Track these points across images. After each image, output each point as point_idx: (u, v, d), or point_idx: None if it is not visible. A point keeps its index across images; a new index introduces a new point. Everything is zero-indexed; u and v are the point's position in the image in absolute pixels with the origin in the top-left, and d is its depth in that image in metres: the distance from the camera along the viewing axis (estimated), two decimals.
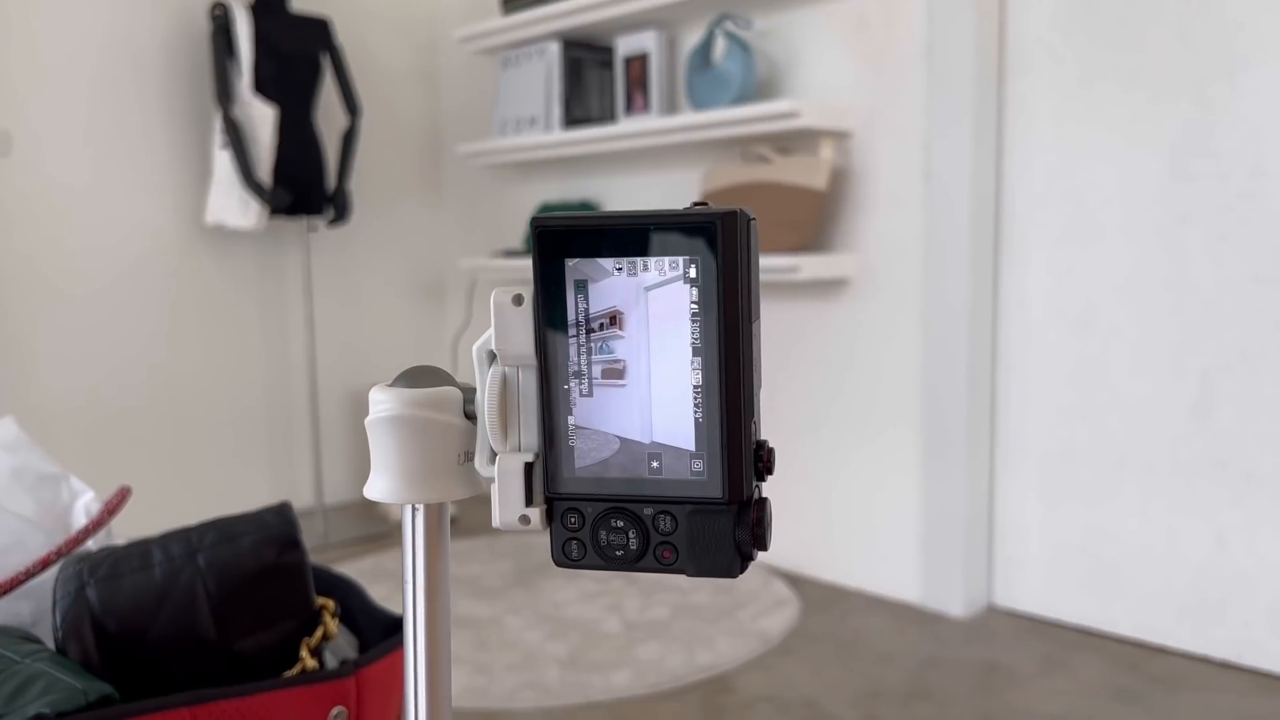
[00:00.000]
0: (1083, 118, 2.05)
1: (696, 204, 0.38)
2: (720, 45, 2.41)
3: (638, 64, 2.63)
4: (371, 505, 3.15)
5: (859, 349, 2.35)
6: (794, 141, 2.38)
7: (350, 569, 2.54)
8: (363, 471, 3.22)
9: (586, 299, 0.40)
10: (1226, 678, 1.88)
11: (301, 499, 3.03)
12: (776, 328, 2.46)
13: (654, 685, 1.87)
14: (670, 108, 2.64)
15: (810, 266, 2.25)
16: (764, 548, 0.41)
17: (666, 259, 0.39)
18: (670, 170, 2.72)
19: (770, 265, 2.24)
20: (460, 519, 2.90)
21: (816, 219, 2.29)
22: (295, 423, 3.07)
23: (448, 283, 3.41)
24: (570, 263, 0.40)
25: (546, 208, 2.95)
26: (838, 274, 2.32)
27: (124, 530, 0.93)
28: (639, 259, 0.39)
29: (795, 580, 2.44)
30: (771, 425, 2.66)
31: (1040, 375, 2.15)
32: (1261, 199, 1.84)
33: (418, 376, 0.43)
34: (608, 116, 2.76)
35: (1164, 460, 1.98)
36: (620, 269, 0.40)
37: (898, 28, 2.23)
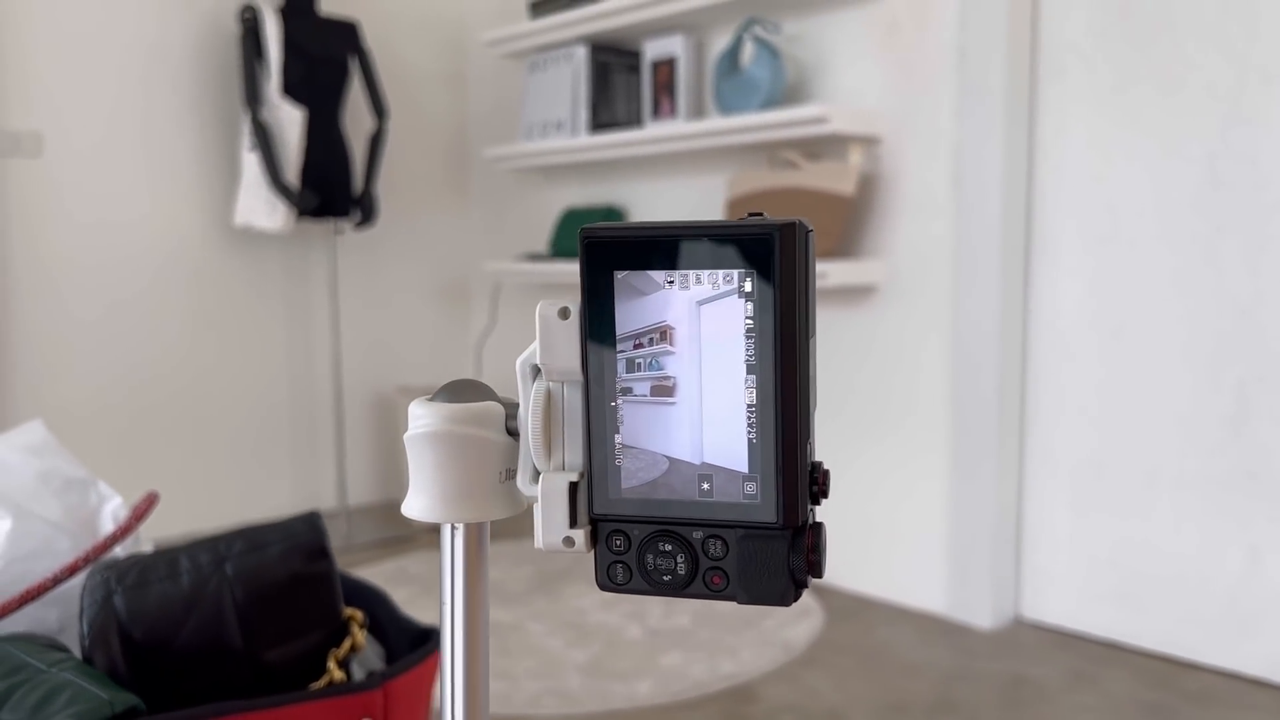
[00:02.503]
0: (1117, 124, 2.02)
1: (752, 214, 0.37)
2: (748, 49, 2.39)
3: (665, 68, 2.61)
4: (395, 508, 3.15)
5: (887, 356, 2.33)
6: (822, 147, 2.36)
7: (374, 572, 2.53)
8: (386, 474, 3.22)
9: (636, 313, 0.39)
10: (1259, 695, 1.85)
11: (325, 501, 3.03)
12: None
13: (676, 694, 1.85)
14: (697, 112, 2.63)
15: (838, 273, 2.23)
16: (819, 575, 0.39)
17: (721, 272, 0.37)
18: (697, 175, 2.70)
19: None
20: None
21: (844, 225, 2.27)
22: (320, 424, 3.07)
23: (473, 286, 3.41)
24: (619, 275, 0.39)
25: (572, 212, 2.94)
26: (865, 280, 2.30)
27: (149, 531, 0.92)
28: (691, 272, 0.38)
29: (820, 590, 2.41)
30: None
31: (1071, 385, 2.12)
32: None
33: (459, 391, 0.42)
34: (634, 121, 2.75)
35: (1197, 472, 1.95)
36: (672, 282, 0.38)
37: (929, 32, 2.20)
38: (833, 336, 2.41)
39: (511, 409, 0.41)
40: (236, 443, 2.91)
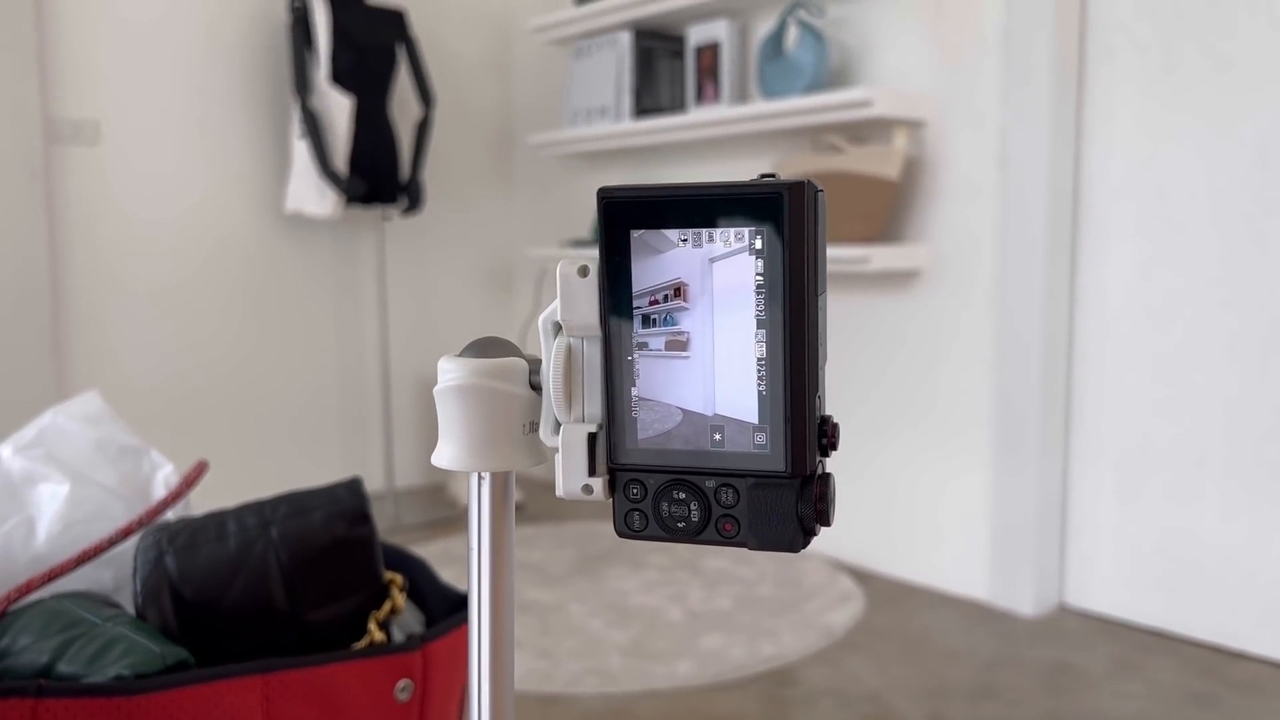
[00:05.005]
0: (1166, 106, 1.99)
1: (764, 175, 0.38)
2: (792, 33, 2.39)
3: (709, 53, 2.62)
4: (441, 490, 3.20)
5: (930, 341, 2.32)
6: (867, 131, 2.36)
7: (419, 552, 2.57)
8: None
9: (651, 270, 0.40)
10: None
11: (372, 482, 3.08)
12: (847, 319, 2.44)
13: (716, 675, 1.87)
14: (741, 97, 2.63)
15: (881, 257, 2.22)
16: (827, 523, 0.40)
17: (732, 230, 0.39)
18: (740, 160, 2.70)
19: (841, 256, 2.21)
20: (526, 506, 2.93)
21: (889, 209, 2.26)
22: (367, 407, 3.12)
23: (517, 272, 3.44)
24: (636, 234, 0.40)
25: None
26: (910, 265, 2.29)
27: (199, 506, 0.95)
28: (705, 230, 0.39)
29: (861, 575, 2.41)
30: (840, 417, 2.62)
31: (1118, 370, 2.09)
32: None
33: (485, 347, 0.44)
34: (678, 106, 2.76)
35: (1247, 459, 1.92)
36: (685, 240, 0.40)
37: (974, 14, 2.19)
38: (876, 321, 2.40)
39: (535, 364, 0.43)
40: (285, 424, 2.97)
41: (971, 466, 2.27)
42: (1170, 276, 2.00)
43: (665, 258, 0.40)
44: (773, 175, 0.39)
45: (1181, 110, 1.97)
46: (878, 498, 2.43)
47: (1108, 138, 2.08)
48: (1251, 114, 1.88)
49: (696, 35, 2.65)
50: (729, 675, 1.87)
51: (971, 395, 2.25)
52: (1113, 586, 2.13)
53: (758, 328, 0.39)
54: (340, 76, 2.73)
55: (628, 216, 0.40)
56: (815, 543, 2.47)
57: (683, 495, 0.41)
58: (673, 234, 0.40)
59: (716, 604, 2.21)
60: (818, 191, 0.40)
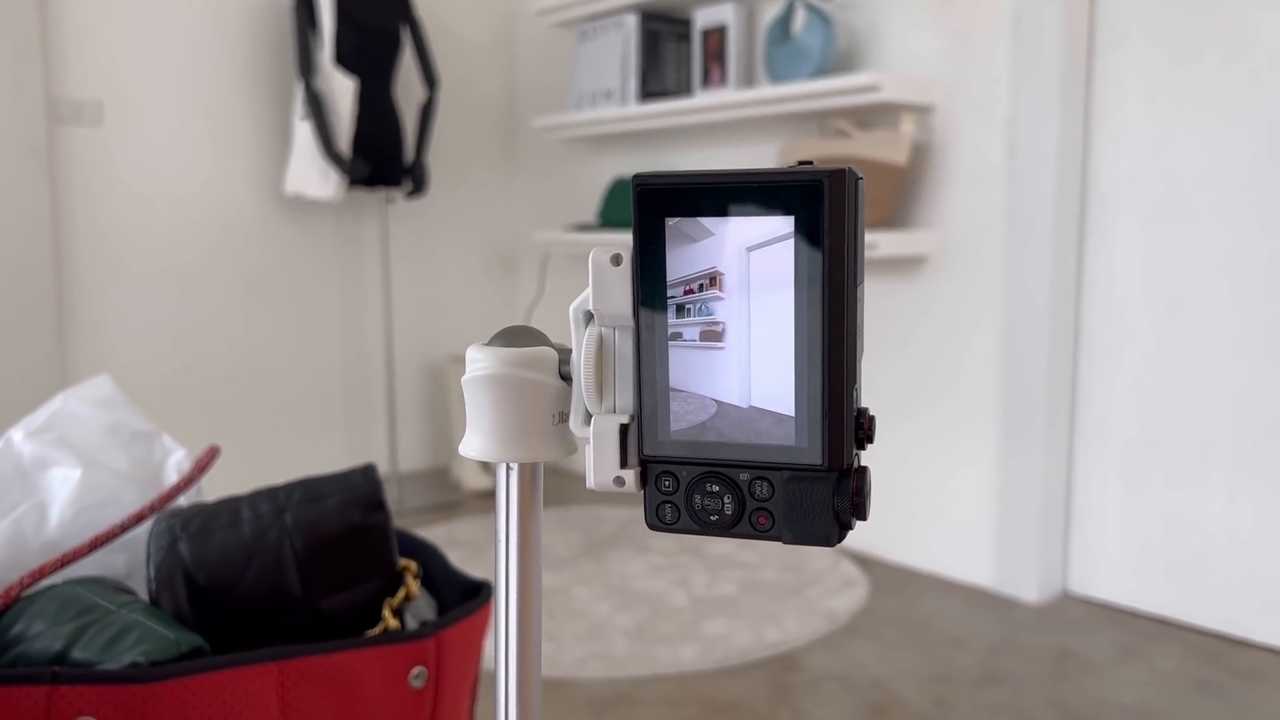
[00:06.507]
0: (1177, 93, 1.98)
1: (802, 163, 0.37)
2: (800, 17, 2.37)
3: (715, 36, 2.60)
4: (445, 474, 3.20)
5: (937, 327, 2.31)
6: (874, 116, 2.34)
7: (424, 536, 2.57)
8: (437, 440, 3.27)
9: (686, 259, 0.40)
10: None
11: (377, 466, 3.08)
12: None
13: (720, 660, 1.87)
14: (748, 81, 2.61)
15: (888, 243, 2.21)
16: (863, 517, 0.40)
17: (770, 219, 0.38)
18: (747, 145, 2.69)
19: None
20: None
21: (896, 195, 2.25)
22: (371, 391, 3.12)
23: (521, 256, 3.43)
24: (671, 222, 0.39)
25: (621, 182, 2.94)
26: (916, 251, 2.28)
27: (206, 491, 0.95)
28: (742, 219, 0.38)
29: (865, 561, 2.41)
30: None
31: (1124, 358, 2.09)
32: None
33: (514, 336, 0.43)
34: (684, 90, 2.74)
35: (1253, 448, 1.92)
36: (722, 229, 0.39)
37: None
38: (883, 308, 2.40)
39: (564, 354, 0.43)
40: (289, 408, 2.97)
41: (977, 453, 2.26)
42: (1178, 265, 2.00)
43: (700, 246, 0.39)
44: (809, 163, 0.38)
45: (1191, 98, 1.96)
46: (882, 483, 2.43)
47: (1117, 125, 2.07)
48: (1262, 103, 1.87)
49: (703, 18, 2.63)
50: (733, 660, 1.87)
51: (977, 382, 2.25)
52: (1117, 574, 2.13)
53: (795, 318, 0.38)
54: (344, 58, 2.71)
55: (663, 204, 0.39)
56: None
57: (716, 488, 0.41)
58: (709, 222, 0.39)
59: (721, 589, 2.21)
60: (858, 179, 0.39)
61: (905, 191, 2.31)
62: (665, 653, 1.90)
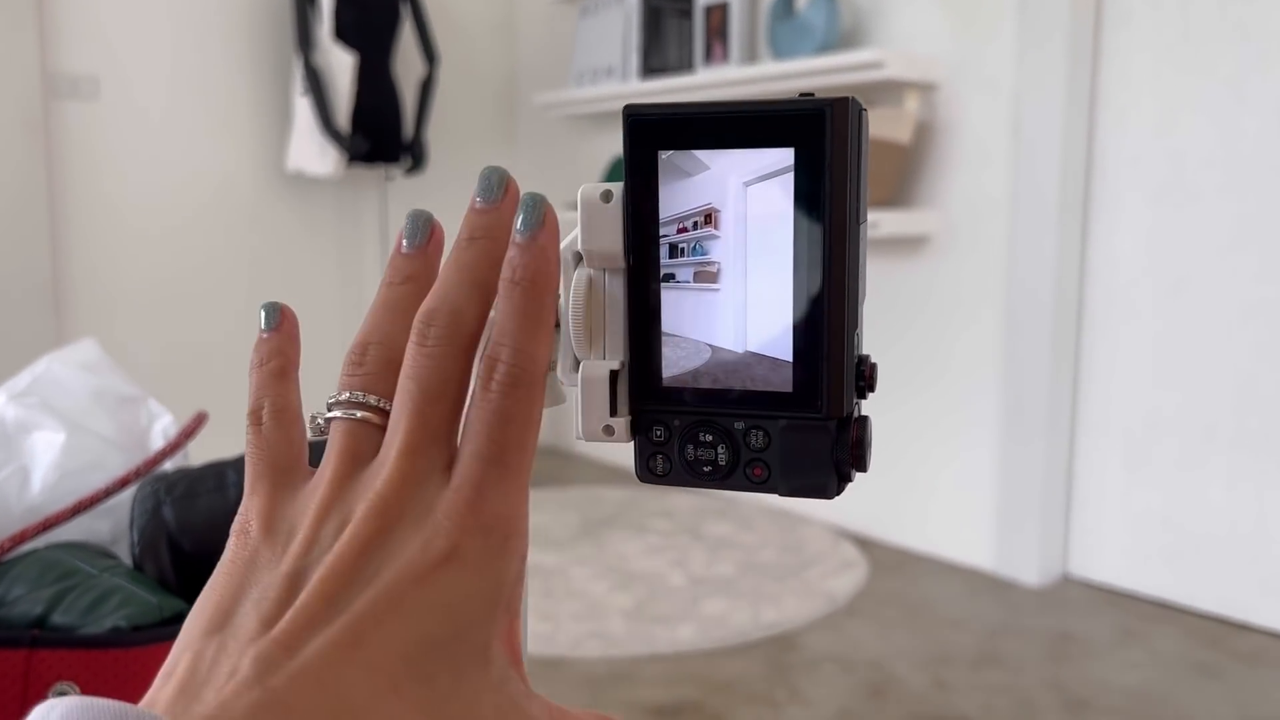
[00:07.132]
0: (1184, 72, 1.95)
1: (804, 94, 0.35)
2: None
3: (718, 13, 2.57)
4: None
5: (938, 308, 2.29)
6: (878, 93, 2.32)
7: None
8: None
9: (680, 195, 0.38)
10: None
11: None
12: None
13: (718, 640, 1.86)
14: (750, 57, 2.58)
15: (890, 222, 2.19)
16: (863, 469, 0.38)
17: (769, 152, 0.36)
18: None
19: None
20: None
21: (899, 174, 2.23)
22: None
23: None
24: (663, 155, 0.37)
25: (622, 160, 2.91)
26: (919, 231, 2.26)
27: (196, 458, 0.93)
28: (739, 152, 0.36)
29: (864, 542, 2.40)
30: None
31: (1128, 341, 2.07)
32: None
33: None
34: (686, 67, 2.72)
35: (1255, 431, 1.90)
36: (718, 162, 0.37)
37: None
38: (884, 288, 2.38)
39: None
40: None
41: (978, 435, 2.25)
42: (1182, 245, 1.97)
43: (695, 181, 0.37)
44: (811, 94, 0.36)
45: (1198, 77, 1.93)
46: (882, 464, 2.41)
47: (1123, 104, 2.04)
48: (1269, 82, 1.84)
49: None
50: (731, 640, 1.86)
51: (979, 363, 2.23)
52: (1117, 556, 2.12)
53: (795, 258, 0.36)
54: (343, 32, 2.68)
55: (655, 136, 0.37)
56: (818, 509, 2.45)
57: (709, 437, 0.39)
58: (703, 155, 0.37)
59: (719, 569, 2.20)
60: (861, 110, 0.37)
61: (908, 170, 2.29)
62: (663, 633, 1.89)
